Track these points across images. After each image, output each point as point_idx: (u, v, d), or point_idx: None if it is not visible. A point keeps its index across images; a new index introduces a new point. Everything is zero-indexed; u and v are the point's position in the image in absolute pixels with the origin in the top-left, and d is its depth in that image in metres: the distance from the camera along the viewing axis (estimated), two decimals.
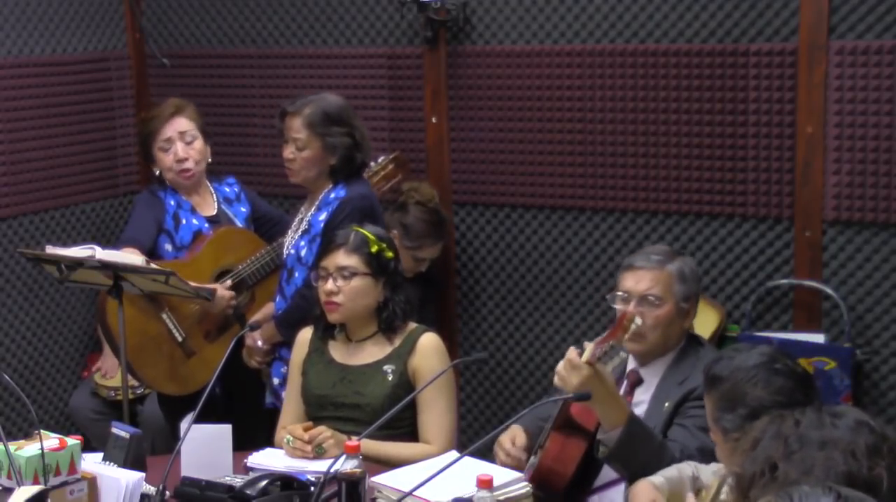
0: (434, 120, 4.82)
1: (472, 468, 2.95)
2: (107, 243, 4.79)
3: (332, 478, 2.79)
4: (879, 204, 4.08)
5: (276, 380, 4.12)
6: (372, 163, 4.43)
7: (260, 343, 4.16)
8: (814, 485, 1.73)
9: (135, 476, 2.92)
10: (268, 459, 3.39)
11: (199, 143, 4.35)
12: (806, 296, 4.23)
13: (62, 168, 5.07)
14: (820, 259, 4.19)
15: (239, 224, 4.44)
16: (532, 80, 4.62)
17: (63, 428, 4.93)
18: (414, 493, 2.83)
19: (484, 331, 4.88)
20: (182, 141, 4.31)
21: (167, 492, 2.94)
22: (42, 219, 5.01)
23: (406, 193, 4.59)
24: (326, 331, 3.64)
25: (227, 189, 4.51)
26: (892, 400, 4.14)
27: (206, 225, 4.33)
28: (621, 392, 3.30)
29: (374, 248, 3.54)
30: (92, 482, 2.91)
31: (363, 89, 4.93)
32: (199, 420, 3.17)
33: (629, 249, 4.40)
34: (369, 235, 3.56)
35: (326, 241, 3.67)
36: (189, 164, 4.31)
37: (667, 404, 3.24)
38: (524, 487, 3.01)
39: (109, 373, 4.91)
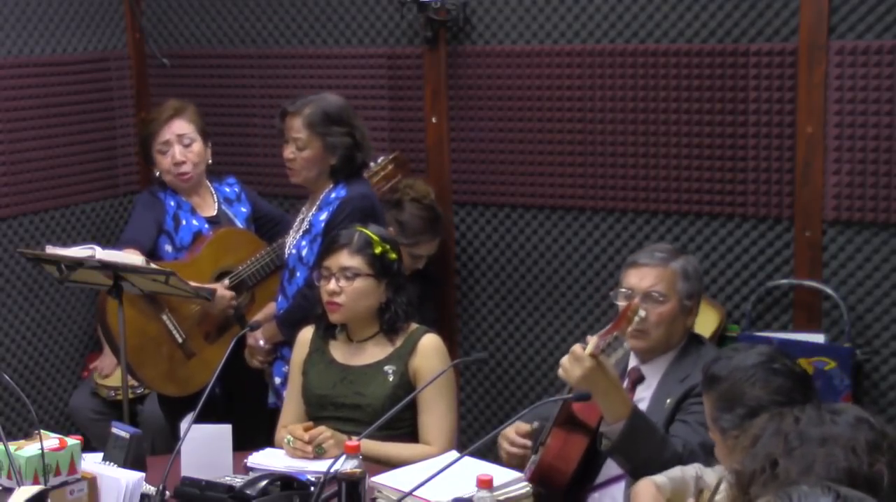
0: (434, 120, 4.82)
1: (472, 468, 2.95)
2: (107, 243, 4.79)
3: (332, 478, 2.79)
4: (879, 204, 4.08)
5: (277, 380, 4.13)
6: (372, 164, 4.43)
7: (262, 342, 4.16)
8: (813, 485, 1.73)
9: (135, 476, 2.92)
10: (268, 459, 3.39)
11: (197, 146, 4.34)
12: (806, 296, 4.23)
13: (62, 168, 5.07)
14: (820, 259, 4.19)
15: (239, 224, 4.44)
16: (532, 80, 4.62)
17: (63, 428, 4.93)
18: (414, 493, 2.83)
19: (484, 331, 4.88)
20: (180, 144, 4.31)
21: (167, 492, 2.94)
22: (42, 219, 5.01)
23: (401, 190, 4.59)
24: (327, 331, 3.64)
25: (228, 189, 4.51)
26: (892, 400, 4.14)
27: (206, 225, 4.33)
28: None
29: (378, 250, 3.54)
30: (92, 482, 2.91)
31: (363, 89, 4.93)
32: (199, 420, 3.17)
33: (629, 249, 4.40)
34: (373, 236, 3.56)
35: (329, 241, 3.66)
36: (186, 168, 4.31)
37: (668, 401, 3.24)
38: (524, 487, 3.01)
39: (105, 372, 4.91)
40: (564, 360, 3.04)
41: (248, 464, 3.35)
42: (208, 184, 4.45)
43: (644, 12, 4.39)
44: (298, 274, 4.06)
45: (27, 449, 2.81)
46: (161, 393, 4.37)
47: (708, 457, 2.95)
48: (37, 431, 2.81)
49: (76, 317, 5.17)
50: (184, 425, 3.77)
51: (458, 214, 4.87)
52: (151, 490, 2.96)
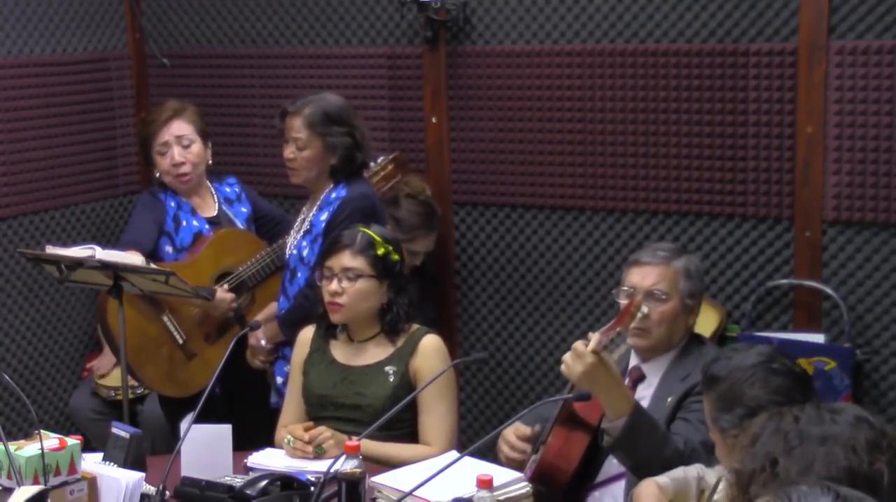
0: (434, 120, 4.82)
1: (472, 468, 2.94)
2: (107, 243, 4.79)
3: (332, 478, 2.79)
4: (879, 204, 4.08)
5: (279, 380, 4.13)
6: (372, 164, 4.43)
7: (263, 342, 4.16)
8: (812, 485, 1.73)
9: (135, 476, 2.92)
10: (268, 459, 3.39)
11: (196, 147, 4.33)
12: (806, 296, 4.23)
13: (62, 168, 5.07)
14: (820, 259, 4.19)
15: (240, 224, 4.43)
16: (532, 80, 4.62)
17: (63, 428, 4.93)
18: (414, 493, 2.83)
19: (483, 331, 4.88)
20: (179, 145, 4.30)
21: (167, 492, 2.94)
22: (42, 219, 5.01)
23: (397, 187, 4.59)
24: (328, 331, 3.64)
25: (228, 189, 4.50)
26: (892, 400, 4.14)
27: (207, 226, 4.33)
28: None
29: (381, 251, 3.54)
30: (92, 482, 2.91)
31: (363, 89, 4.93)
32: (200, 420, 3.17)
33: (629, 249, 4.40)
34: (376, 237, 3.56)
35: (332, 241, 3.66)
36: (185, 169, 4.30)
37: (669, 399, 3.25)
38: (524, 487, 3.01)
39: (101, 371, 4.90)
40: (566, 357, 3.04)
41: (248, 464, 3.35)
42: (208, 184, 4.45)
43: (644, 12, 4.39)
44: (299, 274, 4.06)
45: (27, 449, 2.81)
46: (161, 393, 4.37)
47: (709, 456, 2.94)
48: (37, 431, 2.81)
49: (76, 317, 5.17)
50: (184, 425, 3.78)
51: (457, 214, 4.87)
52: (151, 490, 2.96)
